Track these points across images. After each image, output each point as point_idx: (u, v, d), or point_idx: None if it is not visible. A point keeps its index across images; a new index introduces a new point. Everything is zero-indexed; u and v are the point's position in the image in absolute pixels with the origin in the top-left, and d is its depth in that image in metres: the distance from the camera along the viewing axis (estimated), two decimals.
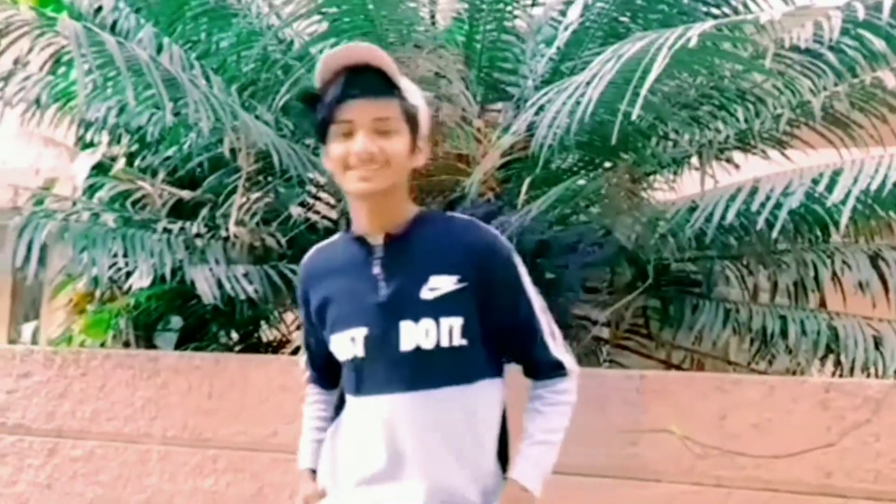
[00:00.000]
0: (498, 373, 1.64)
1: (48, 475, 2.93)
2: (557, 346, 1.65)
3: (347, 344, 1.58)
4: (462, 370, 1.56)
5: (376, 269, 1.58)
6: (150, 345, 3.38)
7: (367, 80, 1.51)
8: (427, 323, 1.53)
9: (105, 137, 3.47)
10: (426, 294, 1.54)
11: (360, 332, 1.57)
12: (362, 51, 1.54)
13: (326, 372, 1.75)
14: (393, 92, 1.52)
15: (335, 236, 1.73)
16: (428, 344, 1.53)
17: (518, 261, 1.62)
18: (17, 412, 3.00)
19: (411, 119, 1.55)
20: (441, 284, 1.54)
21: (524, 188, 2.57)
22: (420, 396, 1.54)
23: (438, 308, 1.53)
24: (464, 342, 1.54)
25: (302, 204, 3.19)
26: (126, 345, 3.31)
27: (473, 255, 1.57)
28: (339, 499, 1.64)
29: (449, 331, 1.53)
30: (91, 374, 2.94)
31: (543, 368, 1.65)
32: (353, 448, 1.63)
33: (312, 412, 1.81)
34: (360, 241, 1.61)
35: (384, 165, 1.50)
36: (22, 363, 3.02)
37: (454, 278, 1.55)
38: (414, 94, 1.59)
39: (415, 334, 1.53)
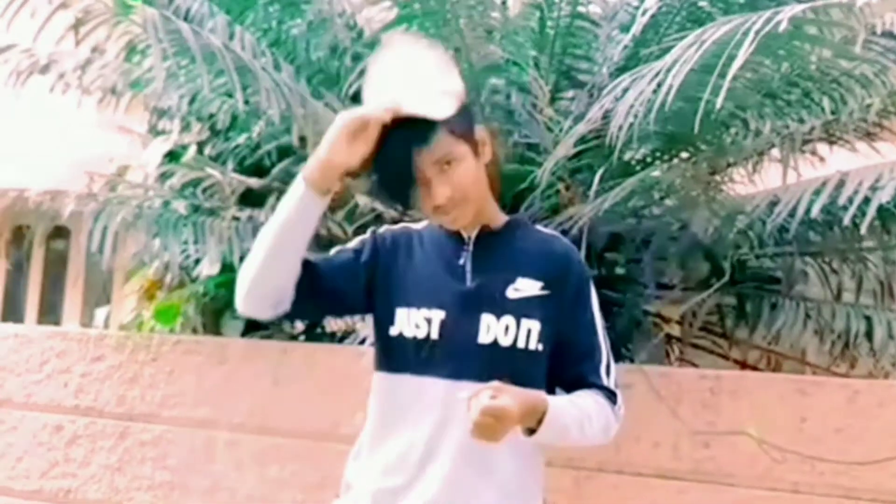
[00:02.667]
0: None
1: (119, 458, 2.99)
2: (611, 381, 1.63)
3: (421, 322, 1.58)
4: (534, 375, 1.56)
5: (463, 260, 1.62)
6: (217, 332, 3.42)
7: (412, 132, 1.52)
8: (508, 320, 1.56)
9: (176, 125, 3.52)
10: (511, 293, 1.58)
11: (438, 315, 1.58)
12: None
13: (304, 288, 1.63)
14: (437, 127, 1.53)
15: (420, 223, 1.74)
16: (506, 341, 1.55)
17: (590, 280, 1.65)
18: (90, 395, 3.07)
19: (462, 132, 1.56)
20: (526, 287, 1.59)
21: (596, 179, 2.49)
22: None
23: (521, 308, 1.57)
24: (539, 347, 1.57)
25: (368, 193, 3.17)
26: (194, 331, 3.35)
27: (556, 263, 1.63)
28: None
29: (527, 333, 1.56)
30: (161, 360, 2.99)
31: (594, 388, 1.61)
32: (394, 427, 1.61)
33: None
34: (452, 231, 1.65)
35: (463, 201, 1.56)
36: (95, 347, 3.09)
37: (539, 284, 1.59)
38: (445, 79, 1.58)
39: (494, 329, 1.55)
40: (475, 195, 1.59)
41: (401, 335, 1.60)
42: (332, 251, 1.72)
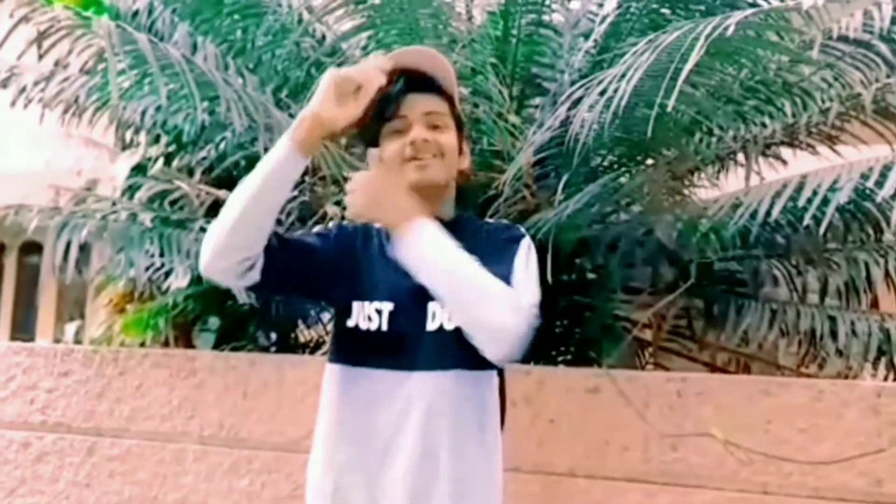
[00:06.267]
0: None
1: (87, 473, 2.95)
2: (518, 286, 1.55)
3: (373, 314, 1.60)
4: (480, 356, 1.55)
5: None
6: (189, 345, 3.40)
7: (422, 79, 1.61)
8: None
9: (144, 138, 3.50)
10: None
11: (387, 306, 1.59)
12: (426, 55, 1.64)
13: (276, 260, 1.59)
14: (444, 93, 1.63)
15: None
16: (451, 325, 1.55)
17: (526, 245, 1.63)
18: (57, 410, 3.03)
19: (458, 121, 1.66)
20: None
21: (561, 185, 2.50)
22: (441, 376, 1.56)
23: None
24: None
25: (337, 203, 3.16)
26: (165, 344, 3.33)
27: (488, 236, 1.66)
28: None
29: None
30: (129, 374, 2.96)
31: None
32: (355, 419, 1.60)
33: None
34: None
35: (438, 155, 1.59)
36: (62, 362, 3.06)
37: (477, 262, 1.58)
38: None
39: (440, 315, 1.57)
40: (449, 165, 1.62)
41: (357, 327, 1.61)
42: (297, 233, 1.72)
